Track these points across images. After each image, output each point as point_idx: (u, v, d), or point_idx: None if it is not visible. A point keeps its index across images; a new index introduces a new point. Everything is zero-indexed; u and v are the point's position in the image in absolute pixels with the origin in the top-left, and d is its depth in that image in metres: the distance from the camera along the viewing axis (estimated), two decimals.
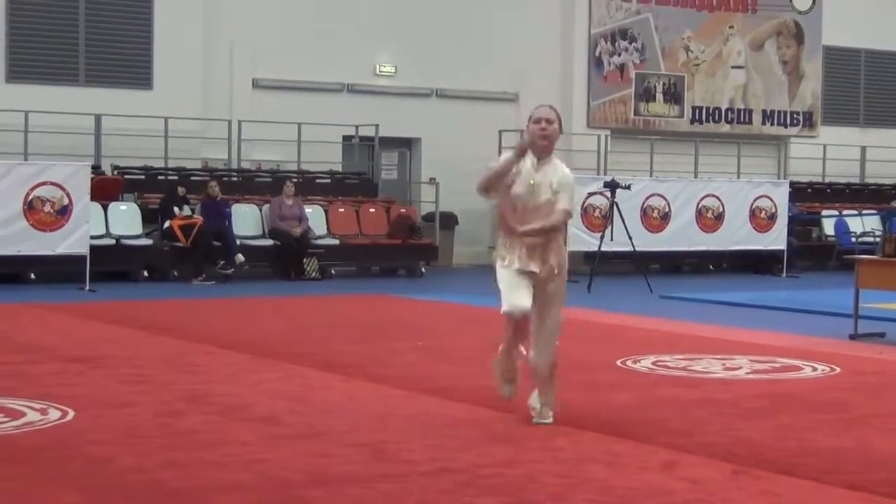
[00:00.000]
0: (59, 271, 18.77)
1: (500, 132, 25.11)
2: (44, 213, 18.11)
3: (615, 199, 20.62)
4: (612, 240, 20.53)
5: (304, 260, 21.01)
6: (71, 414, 7.91)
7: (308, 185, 23.24)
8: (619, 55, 27.40)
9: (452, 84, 25.86)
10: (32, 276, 19.00)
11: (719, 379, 10.07)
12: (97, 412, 8.05)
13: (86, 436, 7.29)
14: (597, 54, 27.12)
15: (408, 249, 22.51)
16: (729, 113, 28.62)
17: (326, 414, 8.12)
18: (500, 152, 24.87)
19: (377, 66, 25.44)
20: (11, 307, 15.35)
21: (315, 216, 22.02)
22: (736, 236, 23.17)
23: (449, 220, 24.59)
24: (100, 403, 8.38)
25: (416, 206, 24.56)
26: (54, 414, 7.90)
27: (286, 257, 21.02)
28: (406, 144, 26.10)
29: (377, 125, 24.15)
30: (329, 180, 24.01)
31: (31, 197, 18.01)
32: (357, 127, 24.47)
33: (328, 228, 22.26)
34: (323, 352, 11.34)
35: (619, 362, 10.84)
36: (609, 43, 27.26)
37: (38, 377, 9.57)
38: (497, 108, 26.19)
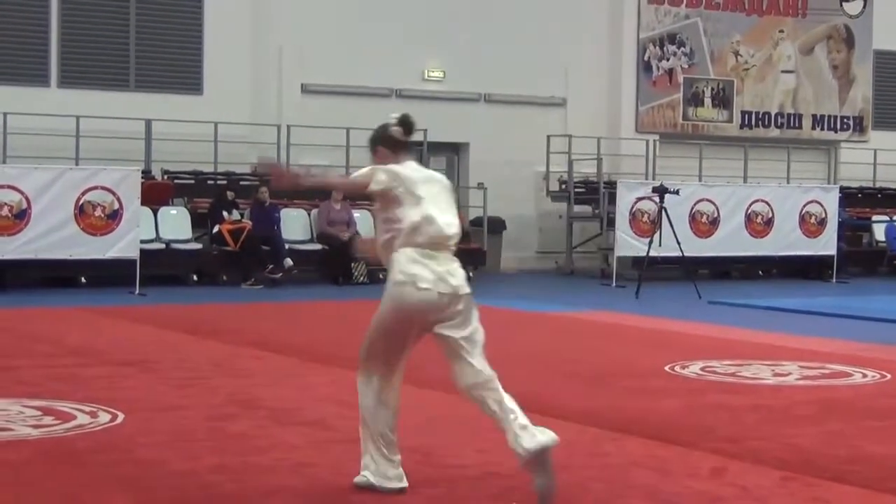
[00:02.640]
0: (109, 275, 18.91)
1: (548, 137, 25.07)
2: (94, 217, 18.26)
3: (663, 204, 20.53)
4: (660, 245, 20.45)
5: (353, 264, 21.04)
6: (121, 417, 7.96)
7: None
8: (668, 60, 27.30)
9: (501, 89, 25.84)
10: (83, 279, 19.15)
11: (768, 385, 10.01)
12: (147, 415, 8.10)
13: (136, 439, 7.34)
14: (645, 59, 27.03)
15: (455, 254, 22.46)
16: (779, 118, 28.45)
17: None
18: (548, 157, 24.92)
19: (426, 71, 25.47)
20: (62, 311, 15.47)
21: (363, 220, 22.05)
22: (785, 242, 23.03)
23: (497, 225, 24.58)
24: (149, 407, 8.43)
25: (464, 211, 24.54)
26: (104, 417, 7.95)
27: (334, 261, 21.07)
28: (454, 149, 26.11)
29: (425, 130, 24.13)
30: None
31: (81, 201, 18.16)
32: None
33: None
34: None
35: (667, 368, 10.80)
36: (658, 47, 27.17)
37: (89, 380, 9.64)
38: (545, 113, 26.16)
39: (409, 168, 6.45)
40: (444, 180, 6.58)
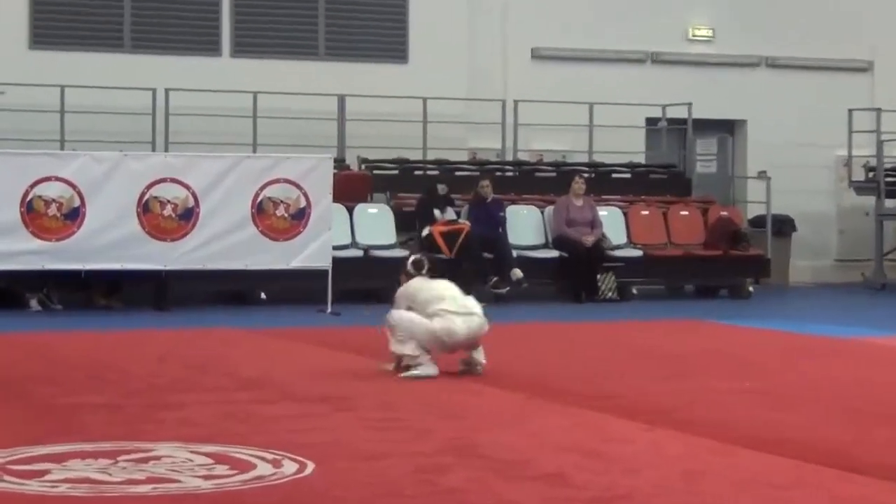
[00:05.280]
0: (294, 290, 19.27)
1: (849, 111, 24.67)
2: (276, 217, 18.67)
3: None
4: None
5: (598, 276, 21.03)
6: (310, 467, 8.10)
7: (603, 182, 23.28)
8: None
9: (786, 51, 25.55)
10: (263, 295, 19.56)
11: None
12: (342, 465, 8.23)
13: (329, 493, 7.46)
14: None
15: (730, 263, 22.31)
16: None
17: (627, 472, 8.12)
18: (850, 137, 24.48)
19: (689, 30, 25.35)
20: (238, 333, 15.83)
21: (611, 220, 22.03)
22: None
23: (784, 226, 24.28)
24: (345, 454, 8.56)
25: (740, 208, 24.33)
26: (290, 467, 8.11)
27: (575, 273, 21.08)
28: (727, 128, 25.91)
29: (690, 104, 24.03)
30: (629, 175, 24.00)
31: (260, 197, 18.59)
32: (664, 107, 24.39)
33: (628, 236, 22.25)
34: (622, 393, 11.34)
35: None
36: None
37: (271, 420, 9.84)
38: (845, 81, 25.80)
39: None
40: None
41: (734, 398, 11.17)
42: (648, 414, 10.20)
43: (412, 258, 13.02)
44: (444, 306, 12.24)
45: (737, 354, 14.48)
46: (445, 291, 12.57)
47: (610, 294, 21.08)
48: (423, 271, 12.72)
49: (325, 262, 18.65)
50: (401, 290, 12.60)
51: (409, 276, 12.67)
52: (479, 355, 12.33)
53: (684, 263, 22.42)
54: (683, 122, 24.40)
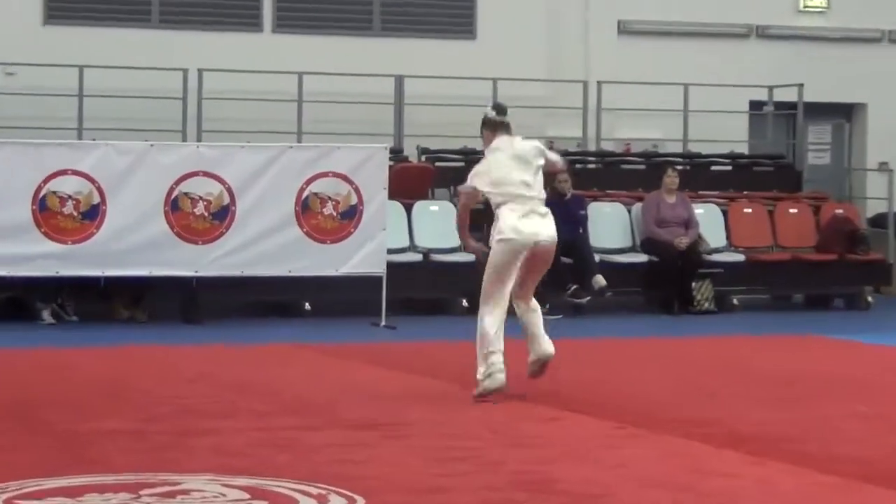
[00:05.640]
0: (343, 300, 19.28)
1: None
2: (323, 216, 18.67)
3: None
4: None
5: (693, 284, 20.96)
6: (360, 503, 8.11)
7: (699, 175, 23.20)
8: None
9: None
10: (307, 306, 19.58)
11: None
12: (395, 500, 8.23)
13: None
14: None
15: (846, 269, 22.17)
16: None
17: None
18: None
19: (801, 0, 25.24)
20: (280, 349, 15.86)
21: (709, 219, 21.95)
22: None
23: None
24: (399, 488, 8.56)
25: (858, 205, 24.20)
26: (337, 502, 8.12)
27: (666, 280, 21.03)
28: (844, 113, 25.78)
29: (801, 86, 23.93)
30: (729, 167, 23.91)
31: (305, 194, 18.59)
32: (771, 89, 24.30)
33: (728, 238, 22.16)
34: (720, 419, 11.30)
35: None
36: None
37: (315, 449, 9.85)
38: None
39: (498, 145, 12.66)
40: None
41: (852, 426, 11.11)
42: (753, 443, 10.16)
43: (493, 104, 12.89)
44: (518, 192, 12.92)
45: (854, 375, 14.41)
46: (521, 178, 12.89)
47: (706, 304, 21.00)
48: (506, 116, 12.51)
49: (378, 268, 18.64)
50: (478, 168, 12.95)
51: (492, 128, 12.67)
52: (546, 343, 12.62)
53: (793, 269, 22.28)
54: (793, 106, 24.30)
